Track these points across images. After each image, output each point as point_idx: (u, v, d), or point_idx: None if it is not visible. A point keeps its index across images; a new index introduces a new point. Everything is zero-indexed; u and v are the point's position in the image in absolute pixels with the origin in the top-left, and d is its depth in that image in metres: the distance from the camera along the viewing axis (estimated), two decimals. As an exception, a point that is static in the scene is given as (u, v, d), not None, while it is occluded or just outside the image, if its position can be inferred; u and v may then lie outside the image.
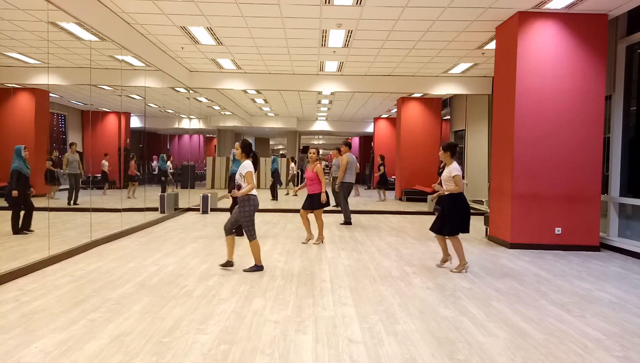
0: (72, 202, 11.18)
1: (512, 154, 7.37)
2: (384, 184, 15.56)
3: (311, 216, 7.66)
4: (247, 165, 5.45)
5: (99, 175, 14.42)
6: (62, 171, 11.39)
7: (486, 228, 8.51)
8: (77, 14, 6.39)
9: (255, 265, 5.65)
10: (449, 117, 16.33)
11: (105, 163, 14.62)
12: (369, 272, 5.70)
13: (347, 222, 9.76)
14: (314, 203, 7.32)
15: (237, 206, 5.53)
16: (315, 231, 7.77)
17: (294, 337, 3.56)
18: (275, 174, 15.66)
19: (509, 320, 4.04)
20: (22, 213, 7.47)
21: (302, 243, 7.53)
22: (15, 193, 7.16)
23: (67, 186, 11.36)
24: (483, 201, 12.92)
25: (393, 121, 20.72)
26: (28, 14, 7.31)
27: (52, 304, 4.25)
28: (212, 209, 11.78)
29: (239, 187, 5.46)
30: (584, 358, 3.28)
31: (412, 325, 3.87)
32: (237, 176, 5.54)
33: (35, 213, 7.55)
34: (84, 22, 6.70)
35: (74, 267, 5.71)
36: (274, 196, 15.31)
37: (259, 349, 3.32)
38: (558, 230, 7.36)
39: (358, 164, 11.30)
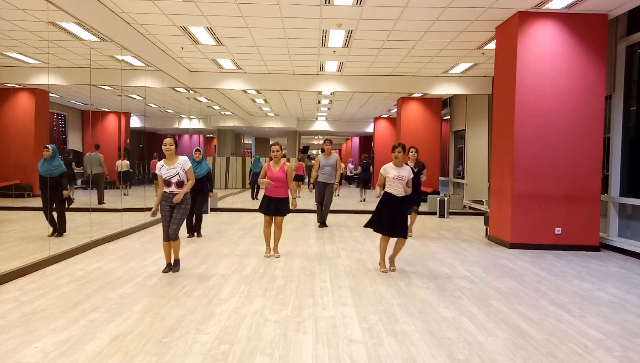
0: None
1: (512, 154, 7.37)
2: (363, 183, 15.62)
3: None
4: (187, 160, 5.40)
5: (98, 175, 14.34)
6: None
7: (486, 228, 8.51)
8: (77, 14, 6.39)
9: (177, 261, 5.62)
10: (449, 117, 16.33)
11: (125, 162, 14.36)
12: (369, 272, 5.70)
13: (323, 224, 9.42)
14: (279, 209, 6.35)
15: (178, 207, 5.34)
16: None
17: (294, 337, 3.56)
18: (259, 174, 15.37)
19: (509, 320, 4.04)
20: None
21: (268, 256, 6.49)
22: (66, 193, 7.30)
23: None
24: (483, 201, 12.92)
25: (393, 121, 20.72)
26: (28, 14, 7.31)
27: (52, 304, 4.25)
28: (212, 209, 11.77)
29: (180, 185, 5.31)
30: (584, 358, 3.28)
31: (412, 325, 3.86)
32: (179, 173, 5.28)
33: (34, 213, 7.55)
34: (84, 22, 6.70)
35: (74, 267, 5.71)
36: (254, 196, 15.28)
37: (259, 349, 3.32)
38: (558, 230, 7.36)
39: (343, 165, 11.04)
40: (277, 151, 6.32)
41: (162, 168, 5.32)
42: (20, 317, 3.89)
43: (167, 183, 5.31)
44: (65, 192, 7.24)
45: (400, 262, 6.27)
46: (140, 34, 8.65)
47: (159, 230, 8.93)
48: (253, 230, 8.93)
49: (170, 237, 5.39)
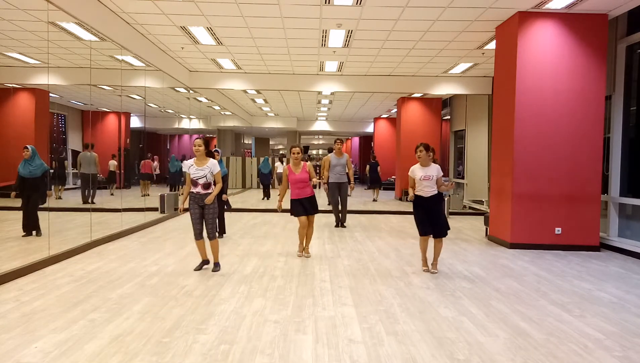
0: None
1: (512, 154, 7.37)
2: (371, 183, 15.68)
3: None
4: (217, 164, 5.49)
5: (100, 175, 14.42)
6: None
7: (486, 228, 8.51)
8: (77, 14, 6.39)
9: (217, 264, 5.75)
10: (449, 117, 16.32)
11: (113, 162, 14.58)
12: (369, 272, 5.70)
13: (338, 223, 9.54)
14: (314, 206, 6.51)
15: (208, 208, 5.46)
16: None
17: (294, 337, 3.56)
18: (268, 175, 15.65)
19: (509, 320, 4.04)
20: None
21: (300, 255, 6.63)
22: (50, 193, 7.29)
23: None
24: (483, 201, 12.92)
25: (393, 121, 20.72)
26: (28, 14, 7.31)
27: (52, 304, 4.25)
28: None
29: (207, 186, 5.41)
30: (584, 358, 3.28)
31: (412, 325, 3.87)
32: (207, 175, 5.39)
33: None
34: (84, 22, 6.70)
35: (74, 267, 5.71)
36: (268, 196, 15.49)
37: (259, 349, 3.32)
38: (558, 230, 7.36)
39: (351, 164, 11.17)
40: (299, 153, 6.32)
41: (191, 167, 5.40)
42: (20, 317, 3.89)
43: (194, 183, 5.40)
44: (49, 192, 7.21)
45: (401, 262, 6.27)
46: (140, 34, 8.65)
47: (158, 229, 8.95)
48: (253, 230, 8.93)
49: (209, 238, 5.58)
